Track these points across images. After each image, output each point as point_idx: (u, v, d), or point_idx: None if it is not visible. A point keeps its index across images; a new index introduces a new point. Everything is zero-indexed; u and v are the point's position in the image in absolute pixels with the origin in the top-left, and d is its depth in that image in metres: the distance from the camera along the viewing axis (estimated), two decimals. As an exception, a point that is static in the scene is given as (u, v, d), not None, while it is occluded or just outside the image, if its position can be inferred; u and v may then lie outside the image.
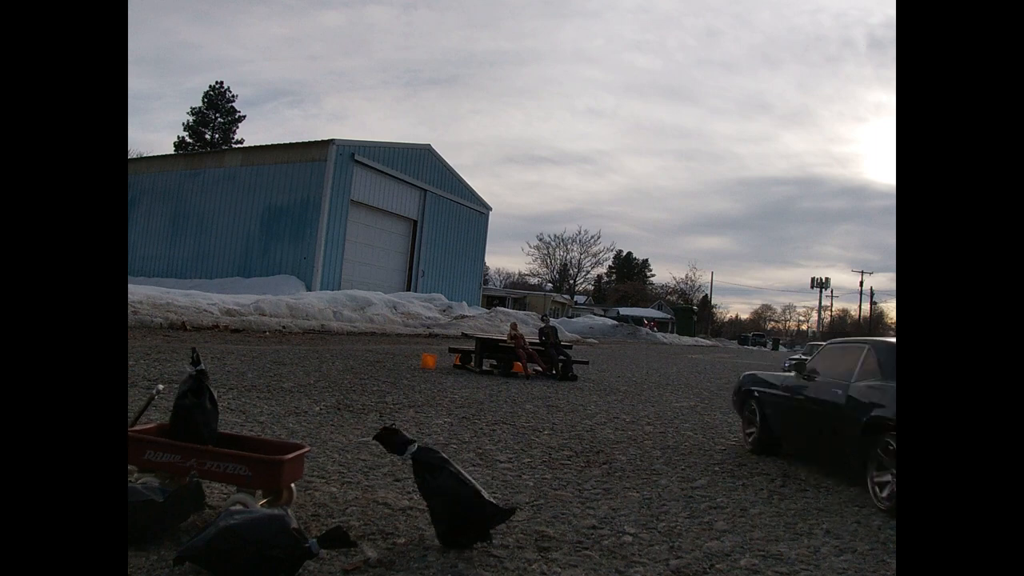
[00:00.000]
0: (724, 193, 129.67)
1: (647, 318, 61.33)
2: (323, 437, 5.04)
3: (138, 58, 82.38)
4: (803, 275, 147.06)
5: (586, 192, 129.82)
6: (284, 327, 17.73)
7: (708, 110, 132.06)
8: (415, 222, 32.51)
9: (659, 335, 46.62)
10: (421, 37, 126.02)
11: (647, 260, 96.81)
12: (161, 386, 3.84)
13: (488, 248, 39.88)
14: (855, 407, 4.46)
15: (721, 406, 9.36)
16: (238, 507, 2.77)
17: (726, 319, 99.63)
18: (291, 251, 27.33)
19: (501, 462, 4.72)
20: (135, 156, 37.50)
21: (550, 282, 77.45)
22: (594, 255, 78.42)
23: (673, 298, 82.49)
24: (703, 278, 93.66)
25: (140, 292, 16.67)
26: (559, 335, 13.29)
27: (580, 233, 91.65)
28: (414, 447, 2.99)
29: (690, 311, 70.38)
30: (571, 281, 78.21)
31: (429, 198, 32.92)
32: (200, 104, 56.48)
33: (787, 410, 5.41)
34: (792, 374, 5.62)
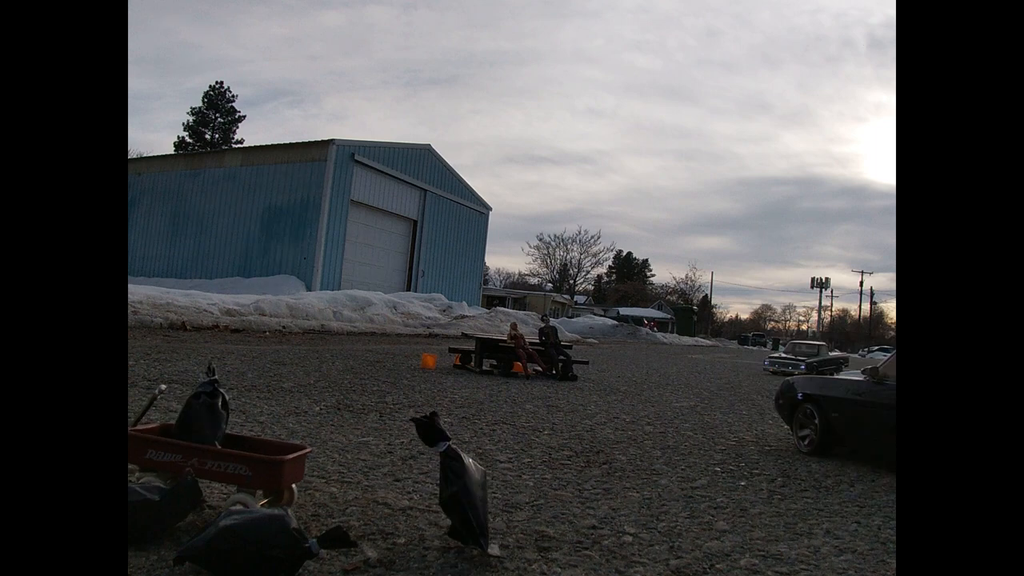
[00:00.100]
0: (724, 193, 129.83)
1: (647, 318, 61.33)
2: (323, 437, 5.04)
3: (138, 58, 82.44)
4: (803, 275, 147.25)
5: (586, 192, 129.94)
6: (284, 327, 17.73)
7: (708, 110, 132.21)
8: (415, 222, 32.51)
9: (659, 335, 46.62)
10: (421, 37, 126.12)
11: (647, 260, 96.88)
12: (163, 386, 3.85)
13: (488, 248, 39.90)
14: None
15: (721, 406, 9.36)
16: (238, 507, 2.77)
17: (726, 319, 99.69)
18: (291, 251, 27.33)
19: (501, 462, 4.72)
20: (135, 156, 37.49)
21: (550, 282, 77.46)
22: (594, 255, 78.47)
23: (673, 298, 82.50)
24: (703, 278, 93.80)
25: (140, 292, 16.67)
26: (559, 335, 13.29)
27: (580, 233, 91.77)
28: (444, 445, 2.98)
29: (690, 311, 70.39)
30: (571, 281, 78.21)
31: (429, 198, 32.91)
32: (200, 104, 56.52)
33: (857, 413, 5.55)
34: (861, 379, 5.77)
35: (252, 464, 2.94)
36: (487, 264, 57.03)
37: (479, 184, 54.63)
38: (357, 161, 27.98)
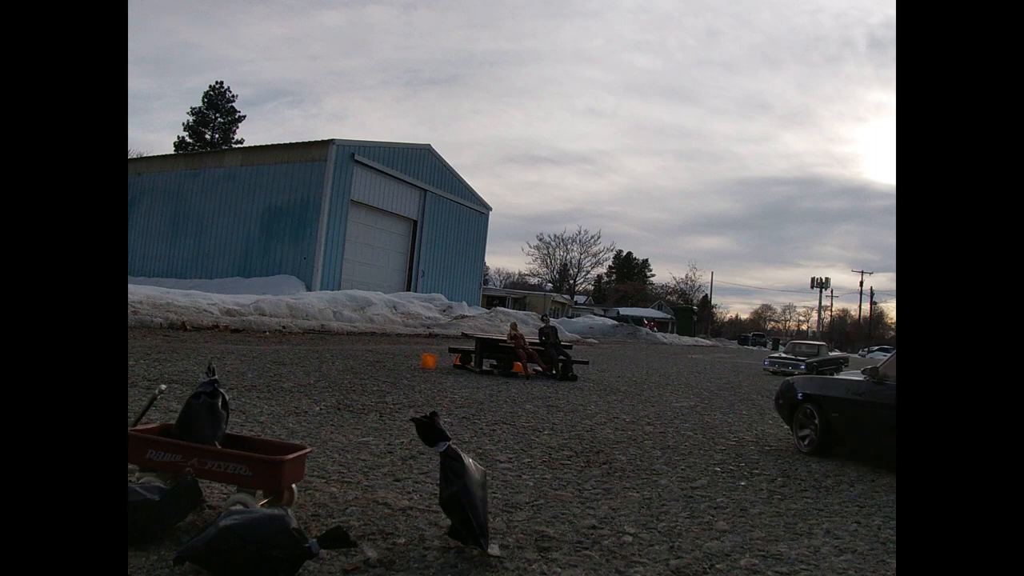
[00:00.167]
0: (724, 193, 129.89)
1: (647, 318, 61.34)
2: (323, 437, 5.04)
3: (138, 58, 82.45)
4: (803, 275, 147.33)
5: (586, 192, 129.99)
6: (284, 327, 17.73)
7: (708, 110, 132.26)
8: (415, 222, 32.50)
9: (659, 335, 46.61)
10: (421, 37, 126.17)
11: (647, 260, 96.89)
12: (163, 386, 3.85)
13: (488, 248, 39.91)
14: None
15: (721, 406, 9.36)
16: (238, 507, 2.77)
17: (726, 319, 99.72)
18: (291, 251, 27.33)
19: (501, 462, 4.72)
20: (135, 156, 37.49)
21: (550, 282, 77.46)
22: (594, 255, 78.48)
23: (673, 298, 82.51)
24: (703, 278, 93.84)
25: (140, 292, 16.67)
26: (559, 335, 13.29)
27: (580, 233, 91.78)
28: (444, 445, 2.97)
29: (690, 311, 70.39)
30: (571, 281, 78.21)
31: (429, 198, 32.91)
32: (200, 104, 56.52)
33: (857, 413, 5.57)
34: (861, 379, 5.78)
35: (252, 464, 2.94)
36: (487, 264, 57.05)
37: (479, 184, 54.66)
38: (357, 161, 27.98)
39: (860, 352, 69.33)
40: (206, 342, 12.78)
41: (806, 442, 6.01)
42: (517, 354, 11.64)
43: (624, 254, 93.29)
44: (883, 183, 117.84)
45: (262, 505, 2.91)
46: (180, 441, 3.10)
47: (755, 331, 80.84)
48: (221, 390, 3.35)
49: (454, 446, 2.99)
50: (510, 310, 36.58)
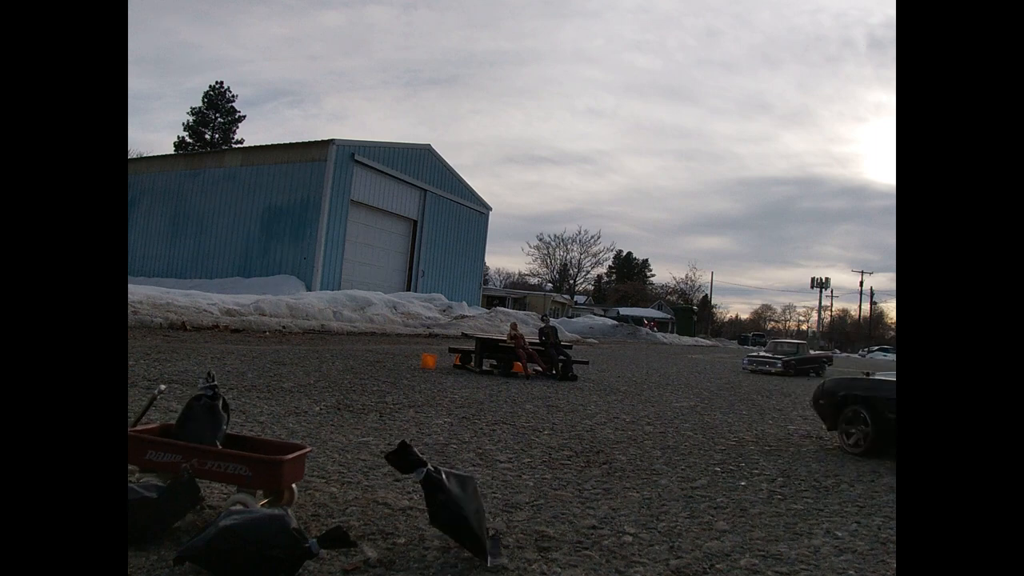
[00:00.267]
0: (724, 193, 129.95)
1: (647, 318, 61.35)
2: (323, 437, 5.04)
3: (138, 58, 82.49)
4: (803, 275, 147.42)
5: (586, 192, 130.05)
6: (284, 327, 17.73)
7: (708, 110, 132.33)
8: (415, 222, 32.51)
9: (659, 335, 46.63)
10: (421, 37, 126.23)
11: (647, 260, 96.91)
12: (163, 386, 3.85)
13: (488, 248, 39.92)
14: None
15: (721, 406, 9.36)
16: (238, 507, 2.77)
17: (726, 319, 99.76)
18: (291, 251, 27.33)
19: (501, 462, 4.72)
20: (135, 156, 37.52)
21: (550, 282, 77.48)
22: (594, 255, 78.51)
23: (673, 298, 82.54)
24: (703, 278, 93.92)
25: (140, 292, 16.68)
26: (559, 335, 13.29)
27: (580, 233, 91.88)
28: (422, 472, 2.84)
29: (690, 311, 70.41)
30: (571, 281, 78.23)
31: (429, 198, 32.92)
32: (200, 104, 56.53)
33: None
34: None
35: (252, 464, 2.94)
36: (487, 264, 57.07)
37: (479, 184, 54.70)
38: (357, 161, 27.98)
39: (860, 352, 69.37)
40: (206, 342, 12.78)
41: (852, 442, 6.01)
42: (517, 354, 11.64)
43: (624, 254, 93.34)
44: (883, 183, 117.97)
45: (262, 505, 2.91)
46: (180, 441, 3.10)
47: (755, 331, 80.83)
48: (221, 393, 3.36)
49: (431, 469, 2.87)
50: (510, 310, 36.59)
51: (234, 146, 48.50)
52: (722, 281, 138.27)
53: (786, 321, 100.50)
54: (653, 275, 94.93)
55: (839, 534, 3.54)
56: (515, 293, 60.42)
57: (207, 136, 55.67)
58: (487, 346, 12.11)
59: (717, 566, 2.96)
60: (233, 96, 57.15)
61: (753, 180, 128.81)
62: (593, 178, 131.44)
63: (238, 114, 57.35)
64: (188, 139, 55.57)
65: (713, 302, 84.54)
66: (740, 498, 4.18)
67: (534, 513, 3.56)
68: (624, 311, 64.49)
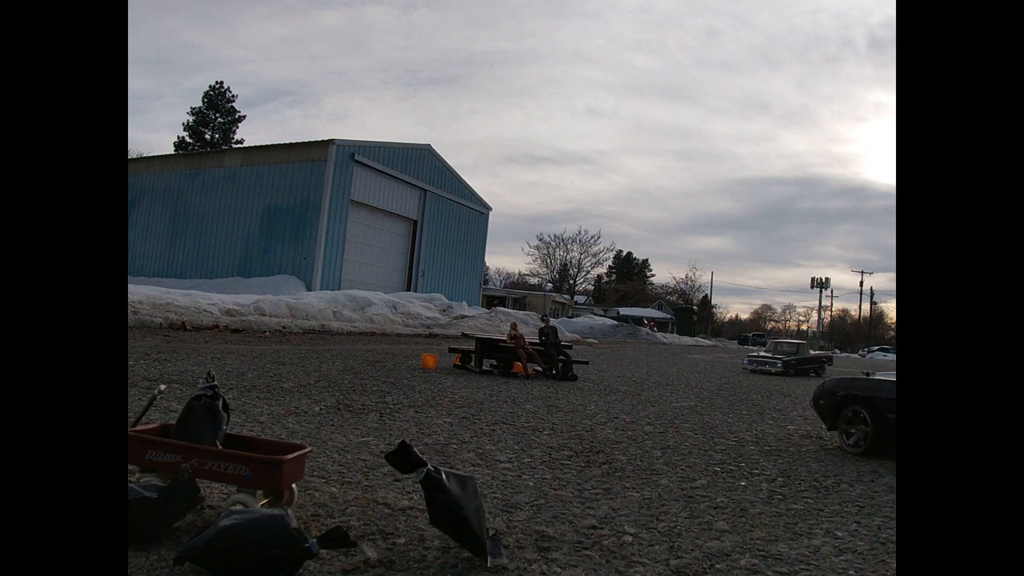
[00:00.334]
0: (724, 193, 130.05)
1: (647, 318, 61.35)
2: (323, 437, 5.04)
3: (138, 58, 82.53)
4: (803, 275, 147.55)
5: (586, 192, 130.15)
6: (284, 327, 17.73)
7: (708, 110, 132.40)
8: (415, 222, 32.51)
9: (659, 335, 46.63)
10: (421, 37, 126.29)
11: (647, 260, 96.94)
12: (163, 386, 3.85)
13: (488, 248, 39.93)
14: None
15: (721, 406, 9.36)
16: (238, 507, 2.77)
17: (726, 319, 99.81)
18: (291, 251, 27.33)
19: (501, 462, 4.72)
20: (135, 156, 37.52)
21: (550, 282, 77.50)
22: (594, 255, 78.54)
23: (673, 298, 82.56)
24: (703, 278, 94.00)
25: (140, 292, 16.68)
26: (559, 335, 13.29)
27: (580, 233, 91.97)
28: (422, 472, 2.83)
29: (690, 311, 70.42)
30: (571, 281, 78.24)
31: (429, 198, 32.91)
32: (200, 104, 56.55)
33: None
34: None
35: (252, 464, 2.94)
36: (487, 264, 57.08)
37: (479, 184, 54.73)
38: (357, 161, 27.98)
39: (860, 352, 69.37)
40: (206, 342, 12.78)
41: (852, 441, 6.03)
42: (517, 354, 11.64)
43: (624, 254, 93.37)
44: (883, 183, 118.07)
45: (262, 505, 2.91)
46: (180, 441, 3.10)
47: (755, 331, 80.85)
48: (221, 393, 3.36)
49: (432, 469, 2.86)
50: (510, 310, 36.60)
51: (234, 146, 48.51)
52: (722, 281, 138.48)
53: (786, 321, 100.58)
54: (653, 275, 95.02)
55: (839, 534, 3.54)
56: (515, 293, 60.42)
57: (207, 136, 55.68)
58: (487, 346, 12.11)
59: (717, 566, 2.96)
60: (233, 96, 57.19)
61: (753, 180, 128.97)
62: (593, 178, 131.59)
63: (238, 114, 57.39)
64: (188, 139, 55.58)
65: (713, 302, 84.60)
66: (740, 498, 4.18)
67: (534, 513, 3.55)
68: (624, 311, 64.50)
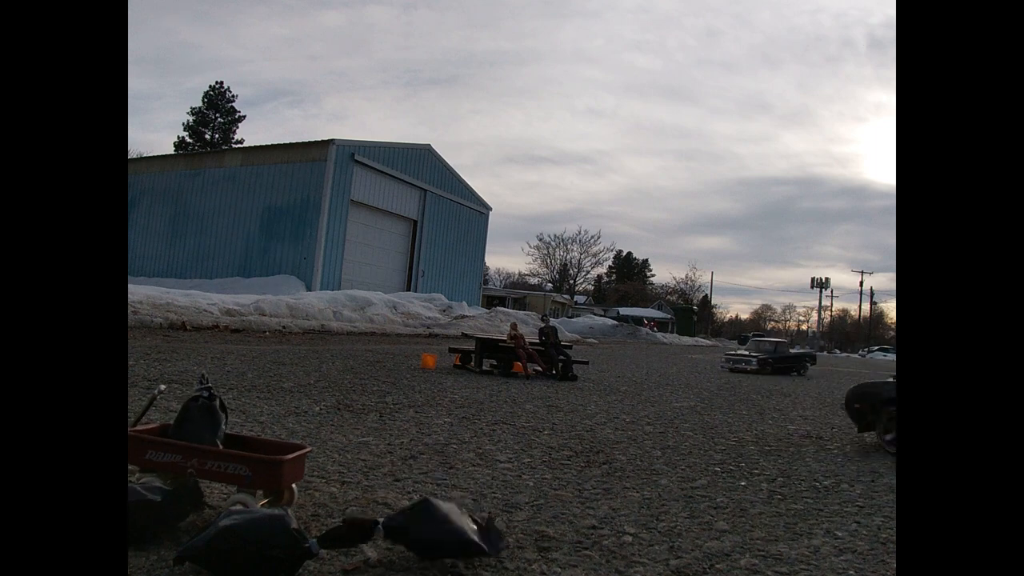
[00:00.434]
0: (724, 193, 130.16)
1: (647, 318, 61.36)
2: (323, 437, 5.03)
3: (138, 58, 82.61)
4: (803, 275, 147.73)
5: (586, 192, 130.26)
6: (284, 327, 17.73)
7: (708, 110, 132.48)
8: (415, 222, 32.51)
9: (659, 335, 46.64)
10: (421, 37, 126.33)
11: (647, 260, 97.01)
12: (163, 386, 3.85)
13: (488, 248, 39.95)
14: None
15: (721, 406, 9.36)
16: (238, 507, 2.77)
17: (726, 319, 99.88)
18: (291, 251, 27.34)
19: (501, 462, 4.72)
20: (135, 156, 37.54)
21: (550, 282, 77.53)
22: (594, 255, 78.63)
23: (673, 298, 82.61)
24: (703, 278, 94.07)
25: (140, 292, 16.68)
26: (559, 335, 13.29)
27: (580, 233, 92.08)
28: (380, 529, 2.66)
29: (690, 311, 70.44)
30: (571, 281, 78.26)
31: (429, 198, 32.92)
32: (200, 104, 56.61)
33: None
34: None
35: (252, 464, 2.94)
36: (487, 264, 57.08)
37: (479, 184, 54.75)
38: (357, 161, 27.98)
39: (860, 352, 69.35)
40: (206, 342, 12.78)
41: (890, 438, 6.15)
42: (517, 354, 11.64)
43: (624, 254, 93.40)
44: (883, 183, 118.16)
45: (262, 505, 2.91)
46: (180, 441, 3.10)
47: (755, 331, 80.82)
48: (217, 394, 3.36)
49: (385, 519, 2.70)
50: (510, 310, 36.59)
51: (234, 146, 48.51)
52: (722, 281, 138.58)
53: (786, 321, 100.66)
54: (653, 275, 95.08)
55: (839, 534, 3.54)
56: (515, 293, 60.43)
57: (207, 136, 55.69)
58: (487, 346, 12.11)
59: (717, 566, 2.96)
60: (233, 96, 57.23)
61: (753, 180, 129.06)
62: (593, 178, 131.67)
63: (238, 114, 57.43)
64: (188, 139, 55.60)
65: (713, 302, 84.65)
66: (740, 498, 4.18)
67: (534, 513, 3.55)
68: (624, 311, 64.51)
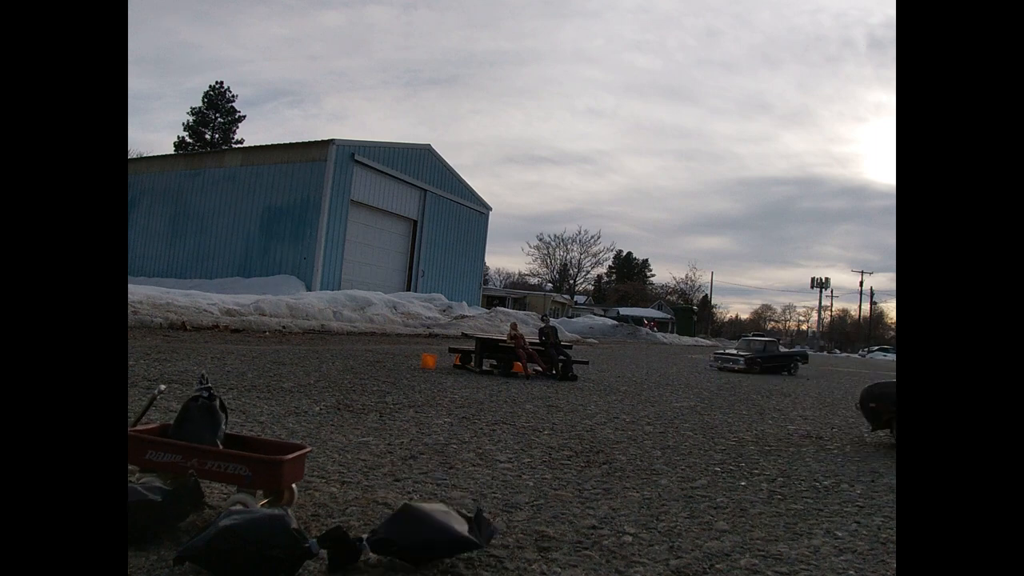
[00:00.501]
0: (724, 193, 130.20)
1: (647, 318, 61.37)
2: (323, 437, 5.03)
3: (138, 58, 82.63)
4: (803, 275, 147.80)
5: (586, 192, 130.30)
6: (284, 327, 17.73)
7: (708, 110, 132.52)
8: (415, 222, 32.51)
9: (659, 335, 46.64)
10: (421, 37, 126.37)
11: (647, 260, 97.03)
12: (163, 386, 3.85)
13: (488, 248, 39.95)
14: None
15: (721, 406, 9.36)
16: (238, 507, 2.77)
17: (726, 319, 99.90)
18: (291, 251, 27.34)
19: (501, 462, 4.72)
20: (135, 156, 37.54)
21: (550, 282, 77.55)
22: (594, 255, 78.67)
23: (673, 298, 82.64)
24: (703, 278, 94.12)
25: (140, 292, 16.68)
26: (559, 335, 13.29)
27: (580, 233, 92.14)
28: (365, 545, 2.62)
29: (690, 311, 70.45)
30: (571, 281, 78.28)
31: (429, 198, 32.92)
32: (200, 104, 56.62)
33: None
34: None
35: (252, 464, 2.94)
36: (487, 264, 57.09)
37: (479, 184, 54.77)
38: (357, 161, 27.99)
39: (860, 352, 69.38)
40: (206, 342, 12.78)
41: None
42: (517, 354, 11.64)
43: (624, 254, 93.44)
44: (883, 183, 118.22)
45: (262, 505, 2.91)
46: (180, 441, 3.10)
47: (755, 331, 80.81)
48: (217, 394, 3.36)
49: (370, 535, 2.66)
50: (510, 310, 36.60)
51: (234, 146, 48.52)
52: (722, 281, 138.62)
53: (786, 321, 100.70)
54: (653, 275, 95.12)
55: (839, 534, 3.54)
56: (515, 293, 60.44)
57: (207, 136, 55.70)
58: (487, 346, 12.11)
59: (717, 566, 2.96)
60: (233, 96, 57.24)
61: (753, 180, 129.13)
62: (593, 178, 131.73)
63: (238, 114, 57.44)
64: (188, 139, 55.61)
65: (713, 302, 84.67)
66: (740, 498, 4.18)
67: (534, 513, 3.55)
68: (624, 311, 64.52)
